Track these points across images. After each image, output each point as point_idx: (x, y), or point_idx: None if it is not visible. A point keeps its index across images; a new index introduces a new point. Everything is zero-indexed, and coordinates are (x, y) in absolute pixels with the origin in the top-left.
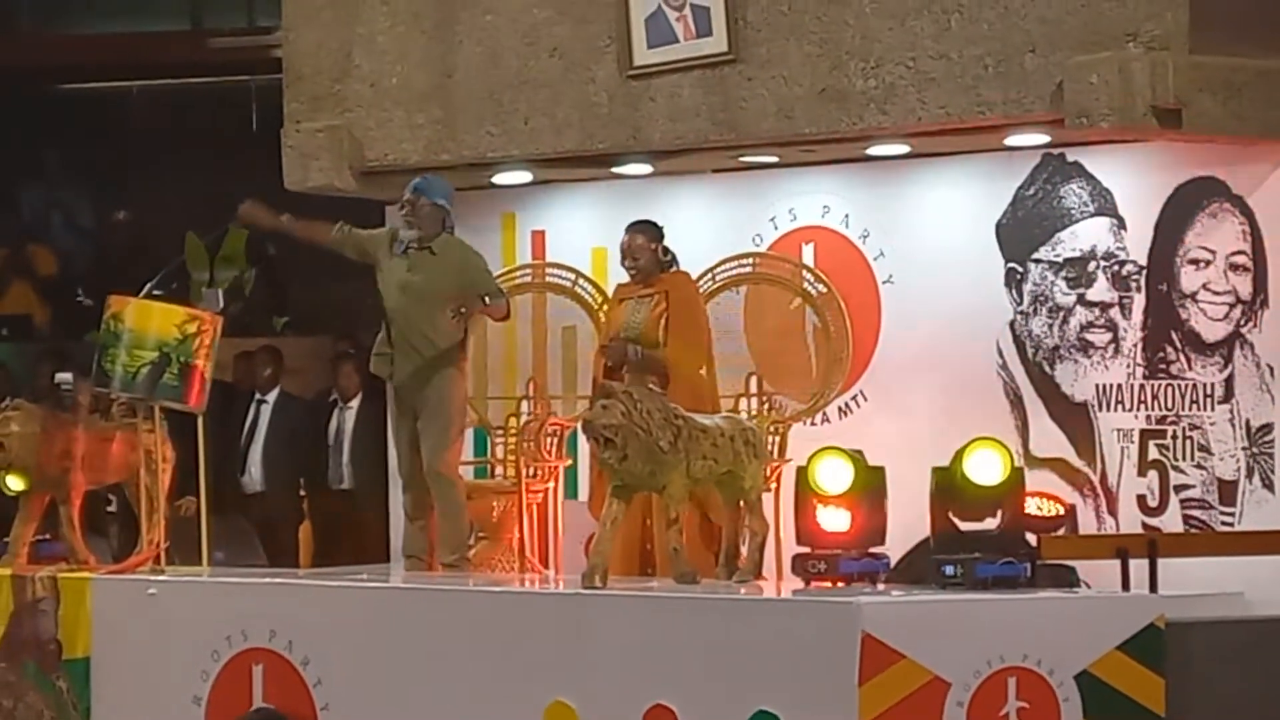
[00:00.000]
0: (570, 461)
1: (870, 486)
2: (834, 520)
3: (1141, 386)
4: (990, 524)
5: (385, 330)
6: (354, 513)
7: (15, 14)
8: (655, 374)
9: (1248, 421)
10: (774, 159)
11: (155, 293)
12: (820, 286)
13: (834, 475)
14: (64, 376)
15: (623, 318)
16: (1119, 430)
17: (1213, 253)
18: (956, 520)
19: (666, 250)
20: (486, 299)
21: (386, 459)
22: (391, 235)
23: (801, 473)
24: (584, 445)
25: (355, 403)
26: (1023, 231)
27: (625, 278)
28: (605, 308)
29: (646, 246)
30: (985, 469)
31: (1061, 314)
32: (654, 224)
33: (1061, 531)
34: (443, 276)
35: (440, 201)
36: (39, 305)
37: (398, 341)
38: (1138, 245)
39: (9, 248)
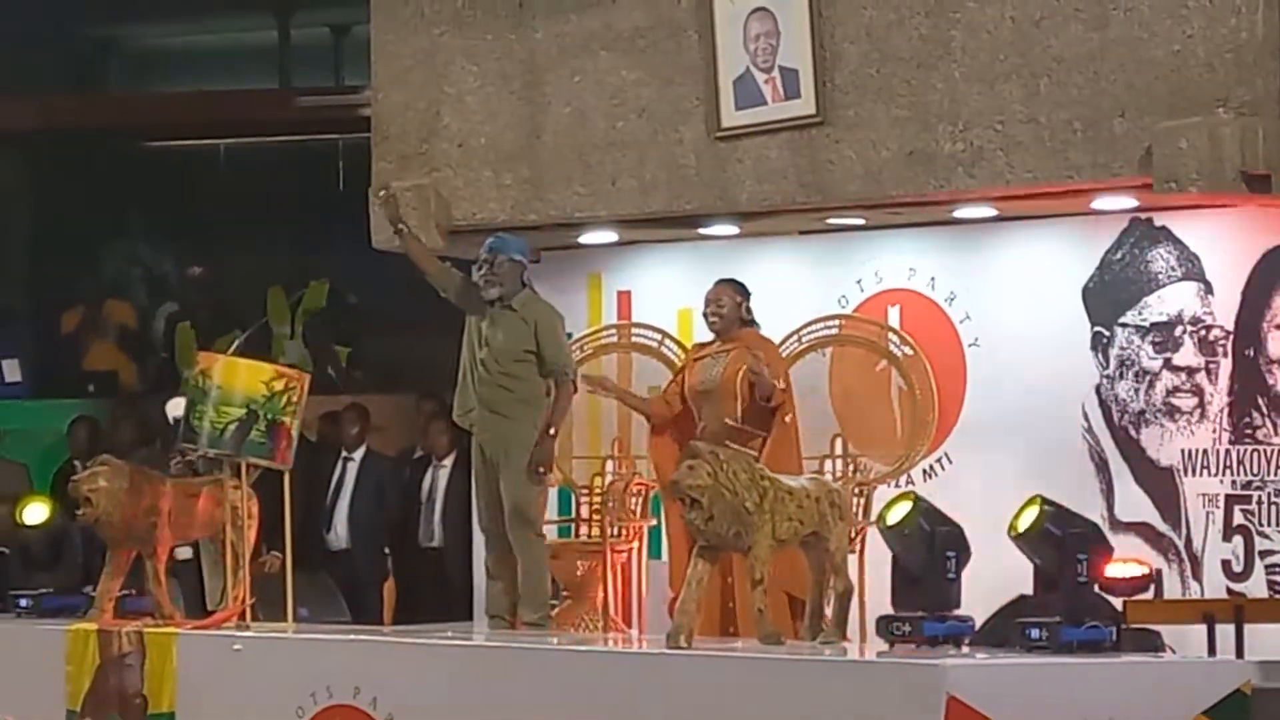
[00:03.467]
0: (655, 521)
1: None
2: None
3: (1227, 451)
4: None
5: (466, 383)
6: (440, 571)
7: (104, 73)
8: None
9: None
10: (860, 221)
11: (242, 350)
12: (906, 349)
13: None
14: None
15: (699, 374)
16: (1204, 495)
17: None
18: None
19: (749, 310)
20: (553, 381)
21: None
22: (474, 286)
23: None
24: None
25: (449, 460)
26: (1109, 295)
27: (708, 337)
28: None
29: (732, 299)
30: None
31: (1148, 378)
32: (741, 283)
33: (1147, 595)
34: (522, 335)
35: (518, 257)
36: (124, 361)
37: (480, 396)
38: (1225, 310)
39: (90, 305)
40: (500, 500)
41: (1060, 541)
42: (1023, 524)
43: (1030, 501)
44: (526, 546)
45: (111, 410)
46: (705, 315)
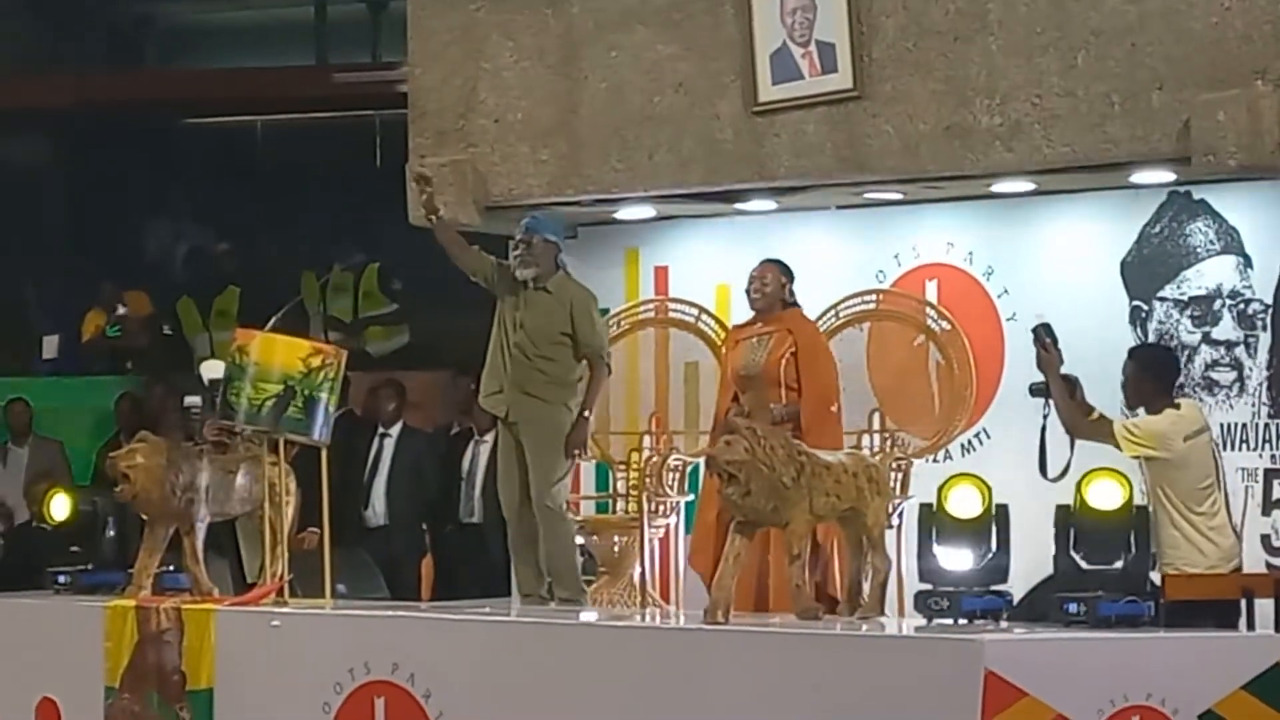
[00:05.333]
0: (692, 497)
1: None
2: None
3: (1266, 426)
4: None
5: (495, 365)
6: (478, 546)
7: (140, 49)
8: (791, 423)
9: None
10: (898, 195)
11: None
12: (944, 323)
13: None
14: (193, 400)
15: (741, 358)
16: (1243, 469)
17: None
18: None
19: (792, 292)
20: (588, 364)
21: None
22: (504, 269)
23: None
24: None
25: (490, 436)
26: (1148, 269)
27: (747, 313)
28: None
29: (777, 279)
30: (1106, 498)
31: (1186, 352)
32: (787, 265)
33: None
34: (557, 317)
35: (552, 238)
36: (159, 339)
37: (513, 378)
38: (1264, 284)
39: (111, 297)
40: (525, 480)
41: (1141, 517)
42: (1104, 499)
43: (1105, 474)
44: (554, 526)
45: (147, 386)
46: (748, 292)
